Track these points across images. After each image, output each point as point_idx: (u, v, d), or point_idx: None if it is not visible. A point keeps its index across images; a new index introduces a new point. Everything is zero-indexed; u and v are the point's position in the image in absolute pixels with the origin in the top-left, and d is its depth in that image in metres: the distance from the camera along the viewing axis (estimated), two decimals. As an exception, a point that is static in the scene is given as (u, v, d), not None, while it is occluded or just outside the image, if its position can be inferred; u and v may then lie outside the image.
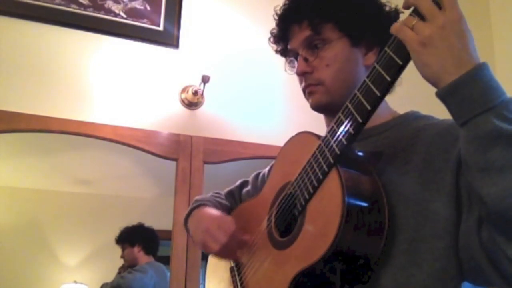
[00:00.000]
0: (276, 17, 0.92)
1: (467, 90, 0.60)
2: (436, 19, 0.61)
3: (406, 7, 0.65)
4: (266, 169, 1.11)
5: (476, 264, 0.66)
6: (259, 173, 1.13)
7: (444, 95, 0.62)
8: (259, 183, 1.10)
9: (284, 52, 0.94)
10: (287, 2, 0.90)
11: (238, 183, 1.17)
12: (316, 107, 0.89)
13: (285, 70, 0.95)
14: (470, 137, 0.61)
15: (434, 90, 0.64)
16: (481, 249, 0.65)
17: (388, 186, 0.73)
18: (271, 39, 0.94)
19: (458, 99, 0.61)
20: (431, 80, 0.63)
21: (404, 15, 0.70)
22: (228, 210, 1.09)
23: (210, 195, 1.15)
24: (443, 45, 0.61)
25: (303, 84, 0.89)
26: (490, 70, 0.62)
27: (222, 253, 0.94)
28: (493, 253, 0.63)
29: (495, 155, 0.59)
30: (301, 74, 0.88)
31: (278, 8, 0.92)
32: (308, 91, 0.88)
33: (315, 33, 0.84)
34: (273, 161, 1.01)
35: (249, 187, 1.13)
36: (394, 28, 0.65)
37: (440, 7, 0.62)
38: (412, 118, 0.86)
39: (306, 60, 0.86)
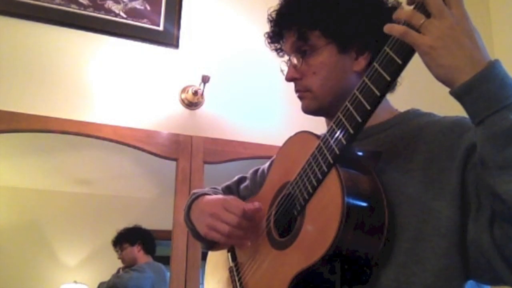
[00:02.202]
0: (269, 21, 0.92)
1: (483, 88, 0.60)
2: (444, 18, 0.61)
3: (412, 2, 0.64)
4: (266, 165, 1.10)
5: (487, 261, 0.66)
6: (258, 169, 1.13)
7: (460, 94, 0.62)
8: (258, 178, 1.10)
9: (280, 51, 0.95)
10: (277, 7, 0.90)
11: (235, 178, 1.16)
12: (306, 112, 0.90)
13: (281, 71, 0.95)
14: (487, 135, 0.61)
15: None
16: (493, 247, 0.64)
17: (390, 185, 0.73)
18: (267, 40, 0.95)
19: (474, 97, 0.60)
20: (445, 80, 0.63)
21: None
22: None
23: (208, 189, 1.14)
24: (454, 45, 0.61)
25: (295, 88, 0.90)
26: (503, 67, 0.62)
27: (232, 237, 0.86)
28: (508, 251, 0.63)
29: None
30: (290, 80, 0.89)
31: (271, 11, 0.92)
32: (298, 96, 0.90)
33: (302, 40, 0.84)
34: (273, 157, 1.01)
35: (247, 182, 1.13)
36: (398, 32, 0.64)
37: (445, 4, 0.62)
38: (413, 116, 0.86)
39: (295, 66, 0.87)
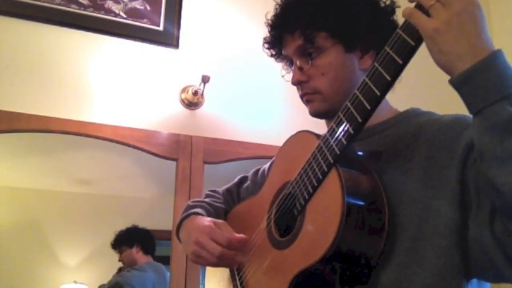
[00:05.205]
0: (268, 25, 0.91)
1: (482, 78, 0.59)
2: (452, 3, 0.60)
3: None
4: (267, 165, 1.10)
5: (488, 259, 0.66)
6: (258, 169, 1.13)
7: (458, 83, 0.61)
8: (259, 178, 1.10)
9: (278, 57, 0.94)
10: (278, 10, 0.89)
11: (236, 179, 1.16)
12: (315, 115, 0.89)
13: (282, 76, 0.95)
14: (485, 125, 0.60)
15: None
16: (494, 243, 0.64)
17: (390, 185, 0.73)
18: (265, 45, 0.94)
19: (472, 87, 0.60)
20: (445, 67, 0.62)
21: (400, 10, 0.69)
22: (223, 212, 1.07)
23: (205, 195, 1.13)
24: (459, 32, 0.60)
25: (300, 92, 0.89)
26: (505, 57, 0.61)
27: (220, 264, 0.88)
28: (508, 246, 0.63)
29: None
30: (297, 84, 0.88)
31: (269, 15, 0.91)
32: (305, 99, 0.88)
33: (308, 43, 0.84)
34: (273, 157, 1.01)
35: (248, 183, 1.13)
36: (406, 13, 0.63)
37: None
38: (412, 115, 0.86)
39: (301, 69, 0.86)
